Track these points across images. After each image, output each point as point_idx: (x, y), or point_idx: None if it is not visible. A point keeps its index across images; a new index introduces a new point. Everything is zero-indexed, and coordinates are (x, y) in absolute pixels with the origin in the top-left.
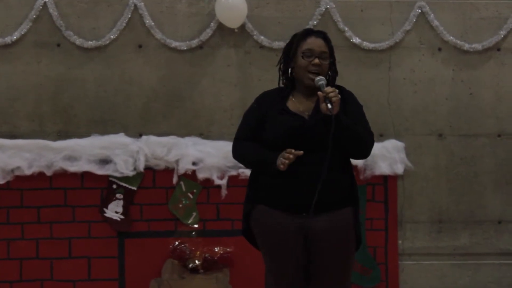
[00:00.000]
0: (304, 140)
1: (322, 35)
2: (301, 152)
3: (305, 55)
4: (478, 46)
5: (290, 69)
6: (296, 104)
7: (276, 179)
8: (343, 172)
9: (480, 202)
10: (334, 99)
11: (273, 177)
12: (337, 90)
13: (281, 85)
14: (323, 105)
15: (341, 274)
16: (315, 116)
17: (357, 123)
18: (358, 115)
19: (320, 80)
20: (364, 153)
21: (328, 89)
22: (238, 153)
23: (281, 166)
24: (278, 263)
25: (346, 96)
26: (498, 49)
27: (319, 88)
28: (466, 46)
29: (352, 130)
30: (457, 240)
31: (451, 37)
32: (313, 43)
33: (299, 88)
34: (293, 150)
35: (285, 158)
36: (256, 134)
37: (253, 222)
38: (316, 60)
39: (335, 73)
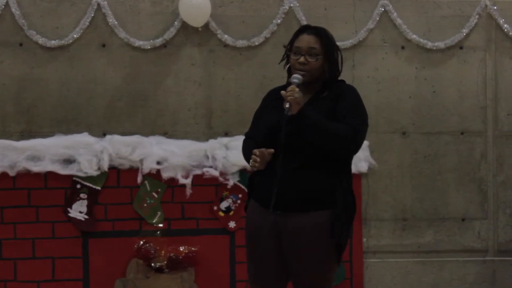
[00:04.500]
0: (279, 139)
1: (315, 31)
2: (272, 150)
3: (294, 53)
4: (441, 45)
5: (287, 67)
6: None
7: (259, 176)
8: (321, 172)
9: (444, 200)
10: (288, 98)
11: (258, 174)
12: (297, 89)
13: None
14: (284, 104)
15: (313, 279)
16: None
17: (343, 118)
18: (345, 111)
19: (293, 78)
20: (342, 148)
21: (289, 88)
22: (242, 151)
23: (251, 165)
24: (251, 256)
25: (340, 92)
26: (461, 47)
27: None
28: (429, 45)
29: (319, 127)
30: (421, 237)
31: (414, 36)
32: (302, 40)
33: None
34: (263, 150)
35: (253, 158)
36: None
37: (246, 215)
38: (301, 59)
39: (334, 68)
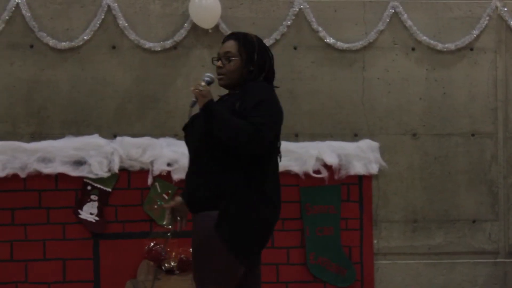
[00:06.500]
0: (187, 138)
1: (234, 36)
2: None
3: (216, 60)
4: (451, 46)
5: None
6: None
7: None
8: (209, 173)
9: (454, 201)
10: (193, 91)
11: None
12: (203, 83)
13: None
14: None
15: (199, 278)
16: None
17: (246, 116)
18: (249, 109)
19: (205, 76)
20: (241, 144)
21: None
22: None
23: None
24: None
25: (246, 91)
26: (471, 49)
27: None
28: (440, 46)
29: (220, 119)
30: (431, 239)
31: (425, 37)
32: (222, 46)
33: None
34: None
35: None
36: None
37: None
38: (218, 63)
39: (254, 69)
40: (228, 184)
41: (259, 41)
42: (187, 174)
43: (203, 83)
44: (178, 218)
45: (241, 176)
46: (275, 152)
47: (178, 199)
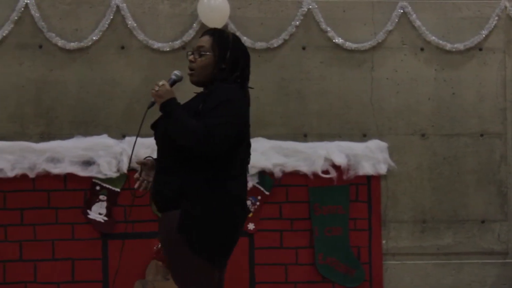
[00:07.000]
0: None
1: (211, 32)
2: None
3: (190, 54)
4: (460, 46)
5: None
6: None
7: None
8: (172, 173)
9: (463, 202)
10: (151, 92)
11: None
12: (160, 83)
13: None
14: None
15: (176, 278)
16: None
17: (203, 117)
18: (207, 110)
19: (172, 74)
20: (192, 144)
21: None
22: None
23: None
24: None
25: (210, 92)
26: (480, 49)
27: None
28: (448, 46)
29: (173, 119)
30: (440, 239)
31: (433, 37)
32: (198, 41)
33: None
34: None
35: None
36: None
37: None
38: (190, 57)
39: (226, 67)
40: (190, 184)
41: (236, 39)
42: (155, 173)
43: (160, 83)
44: (145, 180)
45: (204, 177)
46: (244, 153)
47: (149, 159)
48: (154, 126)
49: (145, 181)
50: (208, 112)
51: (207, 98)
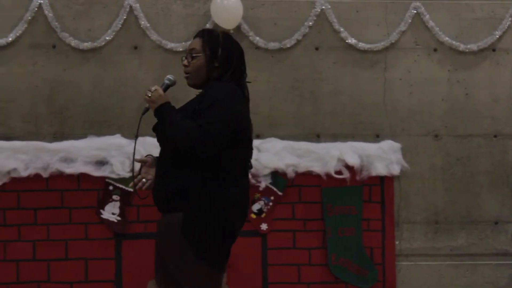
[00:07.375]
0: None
1: (201, 33)
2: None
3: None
4: (473, 47)
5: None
6: None
7: None
8: (171, 174)
9: (477, 203)
10: (145, 98)
11: None
12: (153, 88)
13: None
14: None
15: (179, 280)
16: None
17: (198, 118)
18: (202, 110)
19: (165, 79)
20: (186, 145)
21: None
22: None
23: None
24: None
25: (205, 92)
26: (494, 50)
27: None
28: (462, 47)
29: (167, 121)
30: (453, 240)
31: (447, 38)
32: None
33: None
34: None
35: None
36: None
37: None
38: (184, 61)
39: (219, 65)
40: (189, 185)
41: (226, 37)
42: (155, 174)
43: (153, 88)
44: (143, 178)
45: (204, 177)
46: (244, 153)
47: (149, 157)
48: (155, 129)
49: (144, 180)
50: (202, 112)
51: (202, 99)
